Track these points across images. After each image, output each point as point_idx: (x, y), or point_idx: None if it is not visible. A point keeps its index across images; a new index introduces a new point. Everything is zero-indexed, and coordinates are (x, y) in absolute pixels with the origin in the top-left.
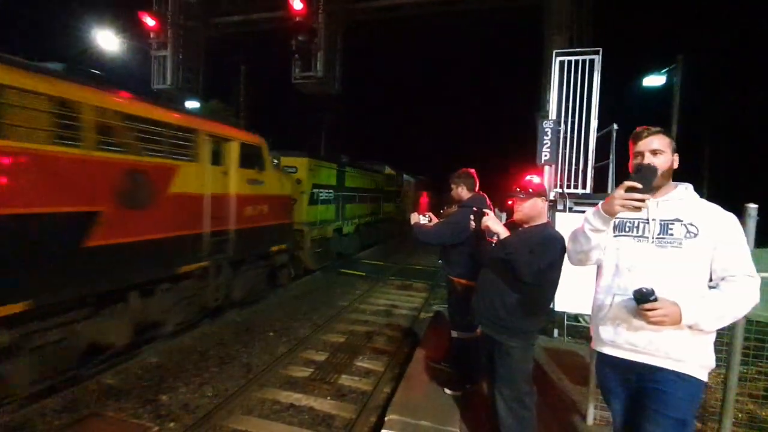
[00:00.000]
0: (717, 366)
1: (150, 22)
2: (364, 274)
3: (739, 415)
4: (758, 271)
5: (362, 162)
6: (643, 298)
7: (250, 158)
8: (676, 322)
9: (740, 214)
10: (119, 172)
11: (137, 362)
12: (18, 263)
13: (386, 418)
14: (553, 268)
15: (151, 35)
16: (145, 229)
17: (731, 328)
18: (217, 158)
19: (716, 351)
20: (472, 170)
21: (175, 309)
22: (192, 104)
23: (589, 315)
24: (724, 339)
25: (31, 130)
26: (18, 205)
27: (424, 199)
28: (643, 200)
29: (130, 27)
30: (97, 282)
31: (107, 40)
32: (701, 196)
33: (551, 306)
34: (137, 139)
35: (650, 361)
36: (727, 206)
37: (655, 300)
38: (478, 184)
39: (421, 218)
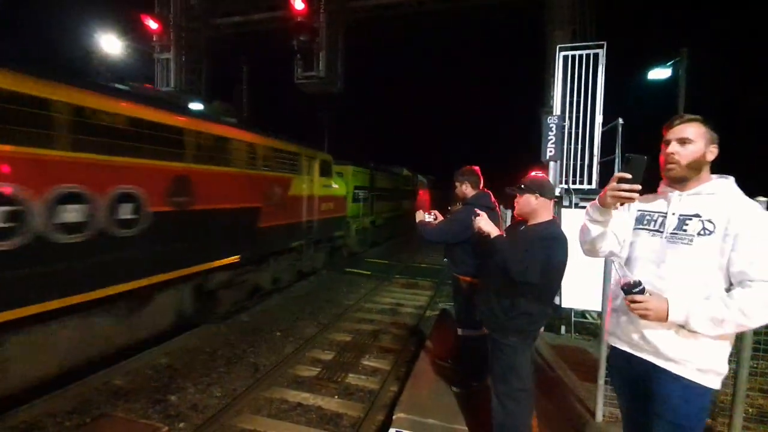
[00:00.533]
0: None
1: (152, 25)
2: (369, 272)
3: (750, 410)
4: None
5: (384, 165)
6: (628, 289)
7: (324, 169)
8: (662, 318)
9: None
10: (269, 183)
11: (146, 363)
12: (234, 234)
13: (394, 417)
14: (550, 267)
15: (154, 38)
16: (277, 218)
17: None
18: (308, 171)
19: None
20: (476, 167)
21: (287, 270)
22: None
23: (596, 311)
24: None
25: (239, 160)
26: (235, 202)
27: (425, 197)
28: (632, 191)
29: (132, 30)
30: (261, 248)
31: (110, 43)
32: None
33: (553, 305)
34: (277, 162)
35: (649, 358)
36: None
37: (641, 292)
38: (482, 182)
39: (426, 216)
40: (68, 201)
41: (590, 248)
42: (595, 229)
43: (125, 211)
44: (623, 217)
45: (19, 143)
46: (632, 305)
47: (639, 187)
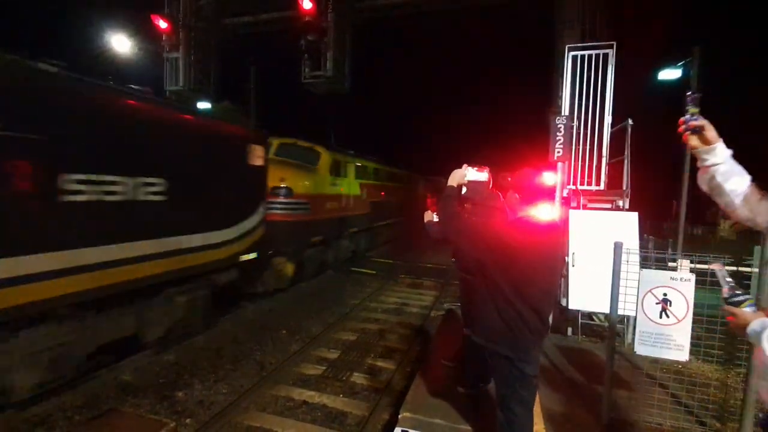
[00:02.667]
0: (737, 365)
1: (162, 24)
2: (374, 272)
3: (760, 415)
4: None
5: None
6: (732, 300)
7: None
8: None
9: None
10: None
11: (154, 359)
12: (387, 211)
13: (399, 416)
14: (475, 249)
15: (164, 37)
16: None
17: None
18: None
19: (736, 350)
20: (485, 167)
21: (360, 244)
22: (203, 105)
23: (603, 313)
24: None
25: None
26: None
27: (433, 198)
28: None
29: (142, 29)
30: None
31: (121, 42)
32: None
33: (538, 309)
34: (381, 175)
35: None
36: None
37: (738, 304)
38: (491, 181)
39: (434, 217)
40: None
41: (722, 205)
42: (701, 178)
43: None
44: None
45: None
46: (731, 318)
47: (703, 122)
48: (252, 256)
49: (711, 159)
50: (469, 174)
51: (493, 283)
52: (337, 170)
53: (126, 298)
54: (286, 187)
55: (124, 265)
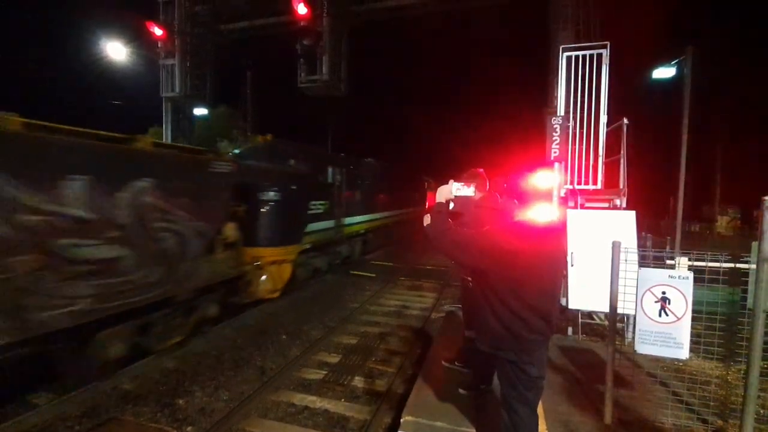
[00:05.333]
0: (737, 362)
1: (158, 31)
2: (374, 275)
3: (761, 411)
4: None
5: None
6: None
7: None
8: None
9: (757, 206)
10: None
11: (154, 367)
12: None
13: (402, 420)
14: (474, 255)
15: (159, 44)
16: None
17: (751, 323)
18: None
19: (736, 347)
20: (481, 170)
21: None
22: (200, 111)
23: (603, 312)
24: (743, 335)
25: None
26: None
27: (431, 200)
28: None
29: (138, 37)
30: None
31: (116, 50)
32: (714, 189)
33: (538, 307)
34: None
35: None
36: (741, 198)
37: None
38: (487, 184)
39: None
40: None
41: None
42: None
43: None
44: None
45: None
46: None
47: None
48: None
49: None
50: (455, 189)
51: (493, 289)
52: None
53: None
54: None
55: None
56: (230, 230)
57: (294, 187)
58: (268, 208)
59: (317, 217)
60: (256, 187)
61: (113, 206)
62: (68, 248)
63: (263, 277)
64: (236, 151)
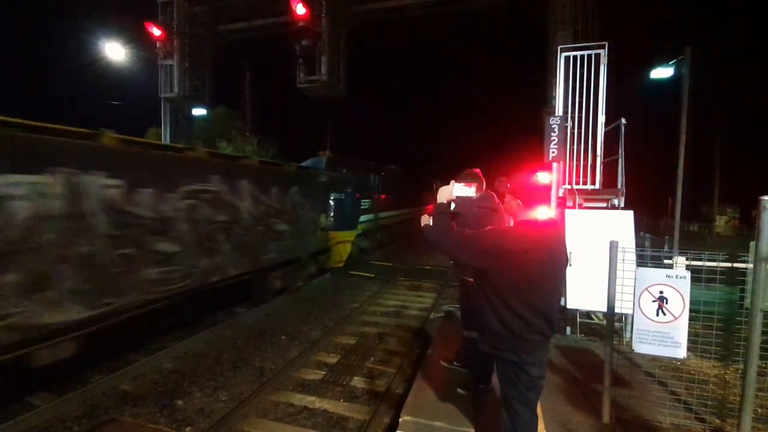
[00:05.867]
0: (735, 361)
1: (156, 32)
2: (373, 275)
3: (759, 410)
4: None
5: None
6: None
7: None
8: None
9: (755, 206)
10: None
11: (152, 368)
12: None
13: (400, 420)
14: (485, 259)
15: (158, 45)
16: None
17: (749, 323)
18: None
19: (734, 346)
20: (478, 170)
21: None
22: (199, 111)
23: (601, 312)
24: (741, 334)
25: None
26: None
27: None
28: None
29: (137, 37)
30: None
31: (115, 50)
32: (713, 188)
33: (538, 308)
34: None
35: None
36: (740, 198)
37: None
38: (485, 183)
39: (431, 220)
40: None
41: None
42: None
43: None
44: None
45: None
46: None
47: None
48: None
49: None
50: (457, 190)
51: (495, 289)
52: None
53: (381, 228)
54: None
55: (381, 218)
56: (323, 219)
57: (351, 190)
58: (339, 204)
59: (364, 212)
60: (332, 190)
61: (285, 201)
62: (273, 224)
63: (334, 253)
64: (304, 164)
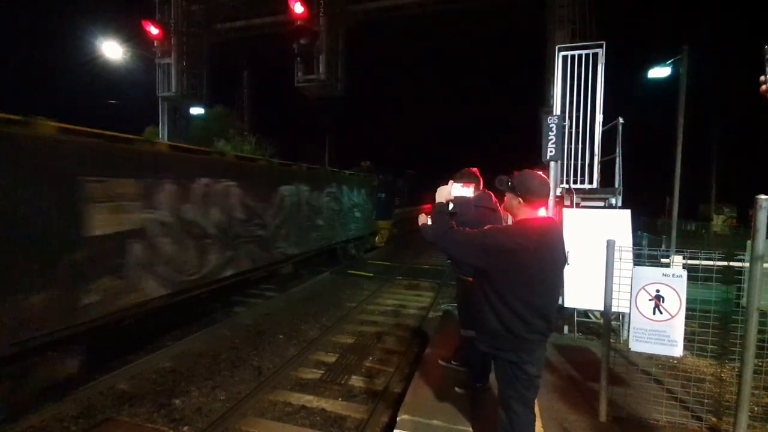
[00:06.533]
0: (731, 359)
1: (153, 30)
2: (371, 274)
3: (756, 409)
4: None
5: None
6: None
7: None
8: None
9: (751, 205)
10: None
11: (150, 367)
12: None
13: (398, 418)
14: (487, 258)
15: (155, 43)
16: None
17: (745, 321)
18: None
19: (730, 344)
20: (475, 169)
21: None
22: (197, 110)
23: (599, 311)
24: (738, 333)
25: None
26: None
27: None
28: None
29: (134, 36)
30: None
31: (112, 49)
32: (710, 188)
33: (535, 305)
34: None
35: None
36: (737, 197)
37: None
38: (482, 183)
39: (428, 219)
40: None
41: None
42: None
43: None
44: None
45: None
46: None
47: None
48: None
49: None
50: (455, 190)
51: (495, 288)
52: None
53: (404, 221)
54: None
55: (405, 212)
56: (374, 211)
57: (389, 191)
58: (381, 201)
59: (396, 207)
60: (379, 191)
61: (360, 198)
62: (354, 212)
63: (378, 236)
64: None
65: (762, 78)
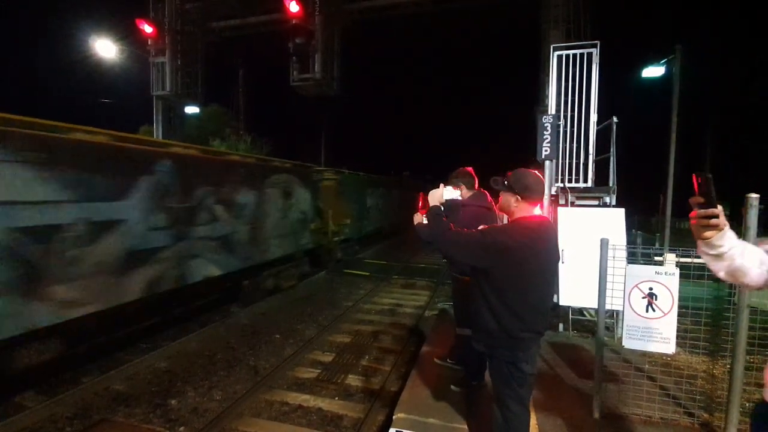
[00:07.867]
0: (723, 356)
1: (147, 29)
2: (368, 273)
3: (747, 405)
4: None
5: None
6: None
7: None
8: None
9: (742, 204)
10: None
11: (145, 367)
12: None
13: (394, 417)
14: (485, 260)
15: (149, 42)
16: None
17: (736, 318)
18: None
19: (722, 341)
20: (470, 168)
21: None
22: (192, 109)
23: (593, 309)
24: (729, 330)
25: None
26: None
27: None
28: (710, 215)
29: (128, 34)
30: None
31: (106, 48)
32: None
33: (529, 303)
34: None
35: None
36: (730, 197)
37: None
38: (477, 182)
39: (424, 219)
40: None
41: (737, 275)
42: (719, 266)
43: None
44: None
45: None
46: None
47: (716, 210)
48: None
49: (726, 243)
50: (446, 193)
51: (492, 287)
52: None
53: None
54: None
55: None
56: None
57: (399, 192)
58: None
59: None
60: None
61: (389, 197)
62: (386, 207)
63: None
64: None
65: (694, 212)
